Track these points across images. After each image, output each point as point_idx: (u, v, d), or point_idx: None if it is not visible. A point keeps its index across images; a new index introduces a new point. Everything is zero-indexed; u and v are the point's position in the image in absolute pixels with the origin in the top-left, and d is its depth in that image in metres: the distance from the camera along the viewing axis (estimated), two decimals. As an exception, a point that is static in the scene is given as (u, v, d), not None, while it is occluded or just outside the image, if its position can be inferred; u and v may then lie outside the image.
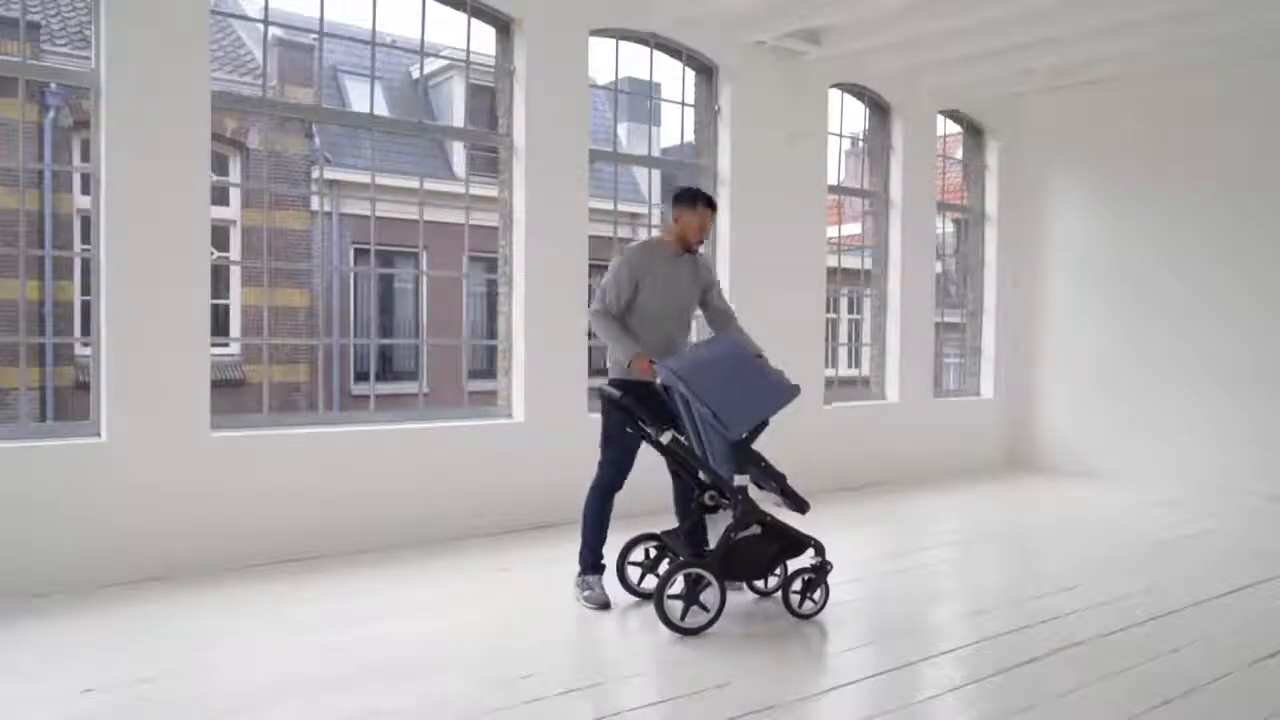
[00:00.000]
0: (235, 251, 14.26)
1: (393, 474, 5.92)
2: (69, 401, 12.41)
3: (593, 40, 6.91)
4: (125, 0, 5.06)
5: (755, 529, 4.46)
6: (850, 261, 9.71)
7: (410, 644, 4.14)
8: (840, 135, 8.63)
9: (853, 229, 14.08)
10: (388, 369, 16.08)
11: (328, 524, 5.64)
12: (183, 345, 5.27)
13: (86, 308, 5.43)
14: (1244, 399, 8.11)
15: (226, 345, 14.06)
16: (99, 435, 5.07)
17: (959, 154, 10.55)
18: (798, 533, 4.53)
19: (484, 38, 9.42)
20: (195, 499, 5.21)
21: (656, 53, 7.39)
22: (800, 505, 4.52)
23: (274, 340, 12.98)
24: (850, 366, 11.29)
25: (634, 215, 17.78)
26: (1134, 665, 3.95)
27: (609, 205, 9.14)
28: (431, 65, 16.61)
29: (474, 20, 6.50)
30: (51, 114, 12.64)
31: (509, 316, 6.65)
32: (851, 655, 4.21)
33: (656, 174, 16.09)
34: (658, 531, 4.81)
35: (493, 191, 6.91)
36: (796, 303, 7.98)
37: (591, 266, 6.87)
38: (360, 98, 16.16)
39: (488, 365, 8.58)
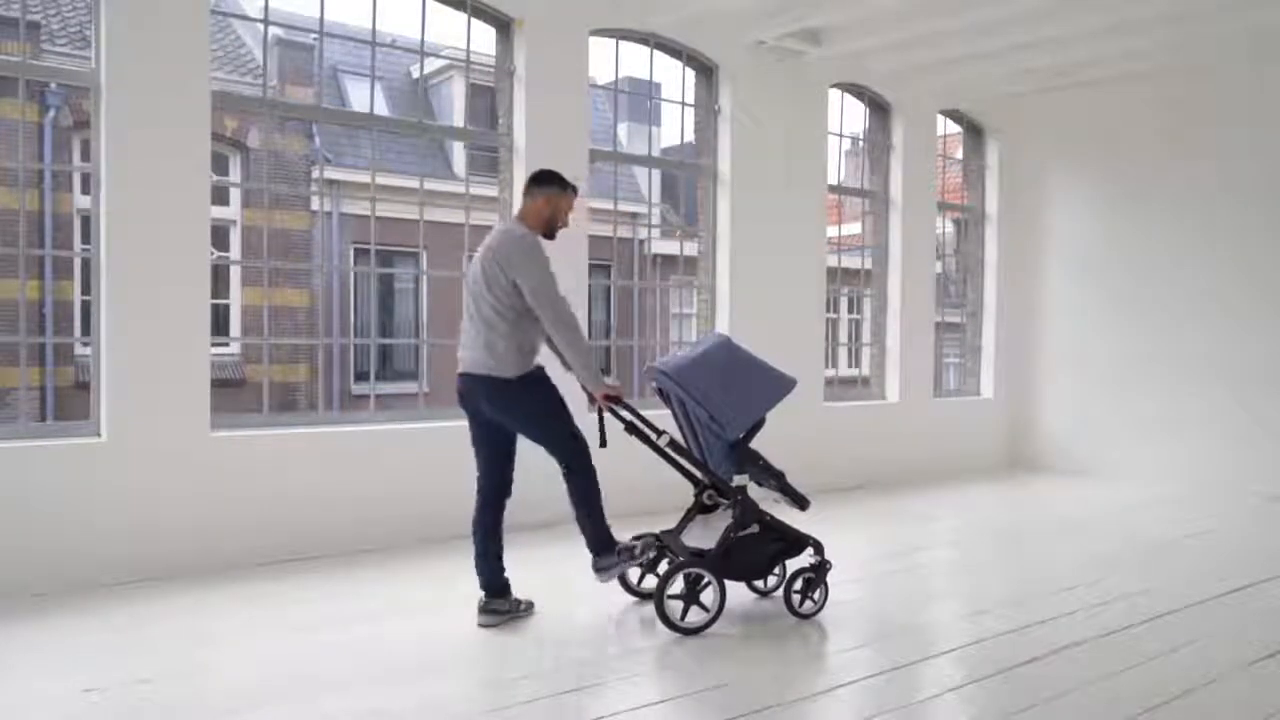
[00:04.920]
0: (235, 251, 14.27)
1: (393, 474, 5.91)
2: (69, 401, 12.41)
3: (593, 40, 6.91)
4: (125, 0, 5.06)
5: (754, 528, 4.46)
6: (850, 261, 9.71)
7: (410, 644, 4.14)
8: (840, 135, 8.63)
9: (853, 229, 14.07)
10: (388, 369, 16.09)
11: (328, 524, 5.64)
12: (183, 345, 5.27)
13: (86, 308, 5.43)
14: (1244, 398, 8.11)
15: (226, 345, 14.06)
16: (99, 435, 5.07)
17: (959, 154, 10.55)
18: (797, 532, 4.53)
19: (484, 38, 9.44)
20: (195, 499, 5.21)
21: (656, 53, 7.39)
22: (801, 503, 4.51)
23: (274, 340, 13.00)
24: (850, 366, 11.29)
25: (634, 215, 17.81)
26: (1134, 665, 3.95)
27: (609, 205, 9.15)
28: (431, 65, 16.62)
29: (474, 20, 6.50)
30: (51, 114, 12.64)
31: (509, 316, 6.64)
32: (851, 655, 4.21)
33: (656, 174, 16.11)
34: (657, 531, 4.81)
35: (493, 191, 6.91)
36: (796, 303, 7.99)
37: (591, 266, 6.87)
38: (360, 98, 16.17)
39: (488, 365, 8.56)
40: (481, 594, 4.46)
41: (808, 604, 4.51)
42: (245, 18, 14.83)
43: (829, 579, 4.55)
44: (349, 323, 15.50)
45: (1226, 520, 7.10)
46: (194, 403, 5.29)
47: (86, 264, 5.29)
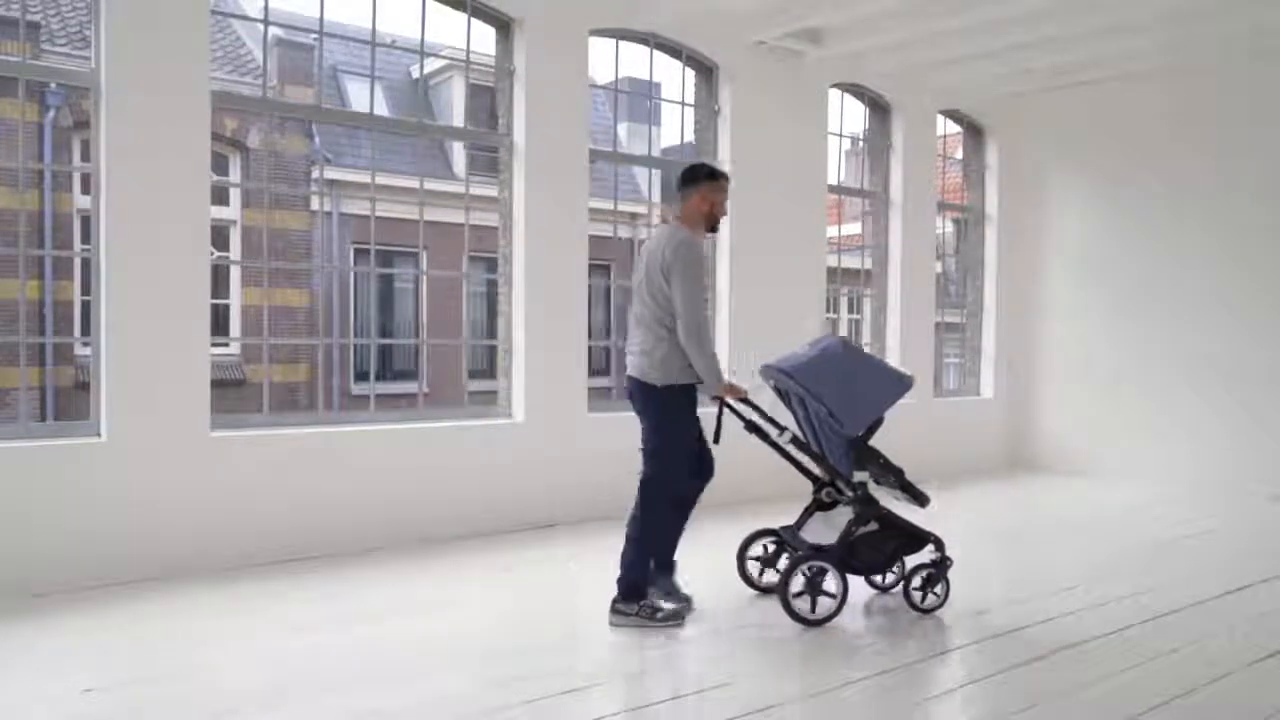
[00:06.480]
0: (235, 251, 14.27)
1: (393, 474, 5.91)
2: (69, 401, 12.42)
3: (593, 40, 6.91)
4: (125, 0, 5.06)
5: (874, 525, 4.53)
6: (850, 261, 9.71)
7: (410, 644, 4.14)
8: (840, 135, 8.63)
9: (853, 229, 14.08)
10: (388, 369, 16.08)
11: (328, 524, 5.63)
12: (183, 345, 5.27)
13: (86, 308, 5.43)
14: (1244, 398, 8.10)
15: (226, 345, 14.06)
16: (99, 435, 5.06)
17: (959, 154, 10.55)
18: (918, 528, 4.61)
19: (484, 38, 9.43)
20: (195, 499, 5.21)
21: (656, 53, 7.39)
22: (921, 499, 4.62)
23: (274, 340, 13.00)
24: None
25: (634, 215, 17.82)
26: (1134, 665, 3.95)
27: (609, 205, 9.15)
28: (431, 65, 16.62)
29: (474, 20, 6.50)
30: (51, 114, 12.64)
31: (509, 316, 6.65)
32: (851, 655, 4.21)
33: (656, 174, 16.09)
34: (775, 527, 4.88)
35: (493, 191, 6.91)
36: (796, 302, 7.98)
37: (591, 266, 6.87)
38: (360, 98, 16.17)
39: (488, 365, 8.59)
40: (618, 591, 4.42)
41: (930, 599, 4.60)
42: (245, 18, 14.83)
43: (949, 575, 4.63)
44: (349, 323, 15.49)
45: (1227, 520, 7.10)
46: (194, 403, 5.29)
47: (86, 264, 5.28)
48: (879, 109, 8.87)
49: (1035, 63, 8.17)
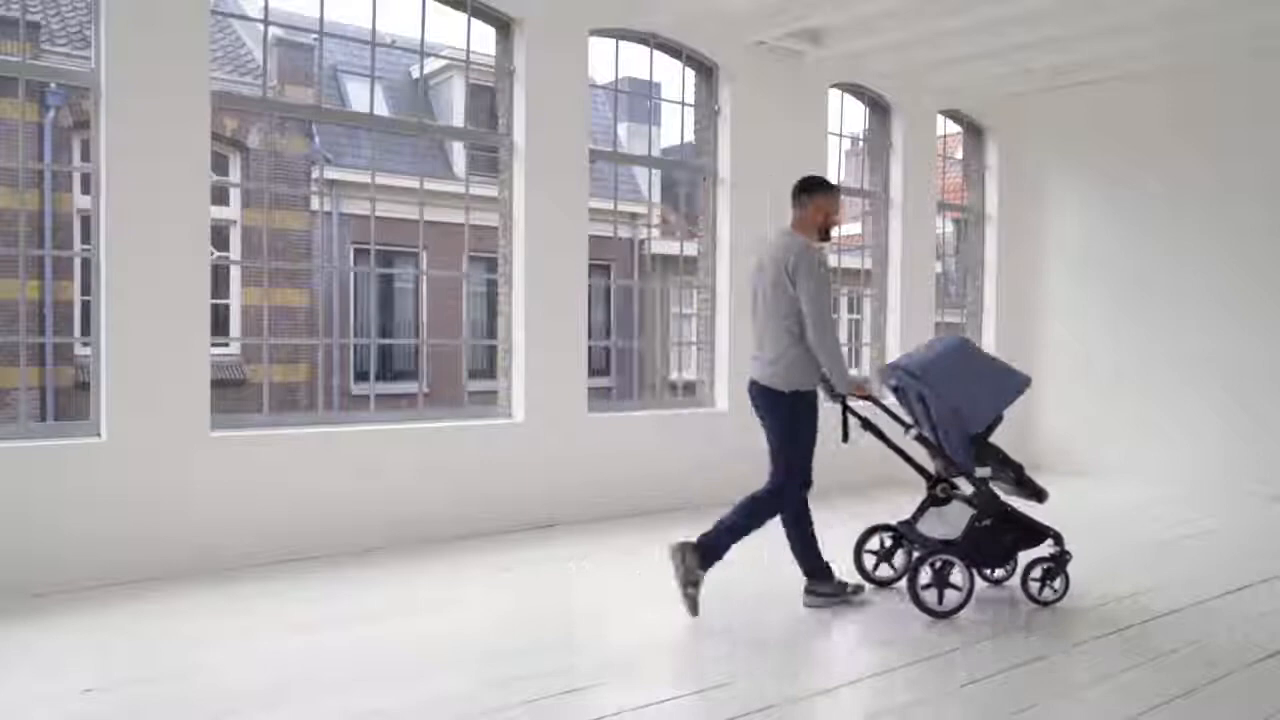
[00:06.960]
0: (235, 251, 14.27)
1: (393, 474, 5.91)
2: (69, 401, 12.42)
3: (593, 40, 6.92)
4: (125, 0, 5.06)
5: (988, 520, 4.64)
6: (850, 261, 9.71)
7: (410, 644, 4.14)
8: (840, 135, 8.63)
9: (853, 229, 14.08)
10: (388, 369, 16.08)
11: (328, 524, 5.63)
12: (183, 345, 5.27)
13: (86, 308, 5.43)
14: (1244, 398, 8.10)
15: (226, 345, 14.06)
16: (99, 435, 5.07)
17: (959, 154, 10.55)
18: (1037, 522, 4.74)
19: (484, 38, 9.44)
20: (195, 499, 5.21)
21: (656, 53, 7.39)
22: (1039, 495, 4.75)
23: (274, 340, 13.00)
24: (850, 366, 11.29)
25: (634, 215, 17.83)
26: (1133, 665, 3.96)
27: (609, 205, 9.15)
28: (431, 65, 16.63)
29: (474, 20, 6.50)
30: (51, 114, 12.64)
31: (509, 316, 6.65)
32: (852, 655, 4.21)
33: (656, 174, 16.10)
34: (893, 522, 4.99)
35: (493, 191, 6.91)
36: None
37: (592, 266, 6.87)
38: (360, 98, 16.17)
39: (488, 365, 8.59)
40: (804, 578, 4.70)
41: (1048, 592, 4.73)
42: (245, 18, 14.83)
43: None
44: (349, 323, 15.50)
45: (1227, 520, 7.10)
46: (194, 403, 5.29)
47: (86, 264, 5.28)
48: (879, 109, 8.87)
49: (1035, 63, 8.16)
